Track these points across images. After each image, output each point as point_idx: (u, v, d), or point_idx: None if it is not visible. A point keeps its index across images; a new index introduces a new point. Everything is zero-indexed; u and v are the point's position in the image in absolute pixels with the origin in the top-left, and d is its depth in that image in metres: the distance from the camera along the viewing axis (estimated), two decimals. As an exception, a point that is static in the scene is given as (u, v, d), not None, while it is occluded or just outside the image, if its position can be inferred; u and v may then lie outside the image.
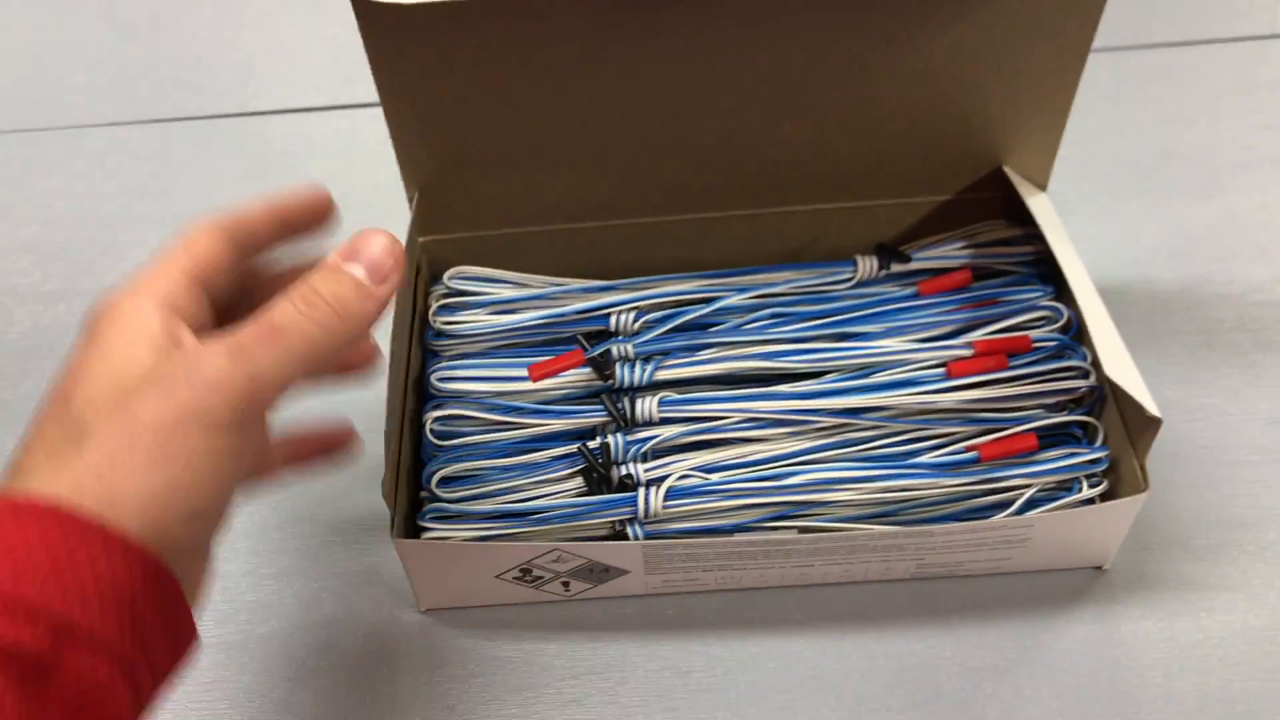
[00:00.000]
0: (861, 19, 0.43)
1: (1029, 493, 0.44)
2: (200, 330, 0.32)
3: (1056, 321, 0.48)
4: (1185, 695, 0.43)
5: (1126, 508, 0.43)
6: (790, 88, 0.46)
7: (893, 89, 0.46)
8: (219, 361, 0.30)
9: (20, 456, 0.30)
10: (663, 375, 0.47)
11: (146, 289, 0.32)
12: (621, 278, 0.51)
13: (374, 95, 0.43)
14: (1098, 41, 0.68)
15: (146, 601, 0.29)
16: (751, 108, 0.46)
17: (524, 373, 0.47)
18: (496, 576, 0.44)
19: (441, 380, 0.47)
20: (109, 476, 0.29)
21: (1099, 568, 0.46)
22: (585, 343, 0.49)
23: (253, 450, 0.32)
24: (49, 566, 0.27)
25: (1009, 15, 0.43)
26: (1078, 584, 0.46)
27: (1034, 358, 0.47)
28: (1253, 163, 0.62)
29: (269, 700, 0.44)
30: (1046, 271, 0.49)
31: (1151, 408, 0.40)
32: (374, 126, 0.45)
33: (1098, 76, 0.66)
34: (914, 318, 0.49)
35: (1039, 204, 0.48)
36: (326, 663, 0.45)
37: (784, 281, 0.50)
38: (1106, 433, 0.45)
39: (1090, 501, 0.44)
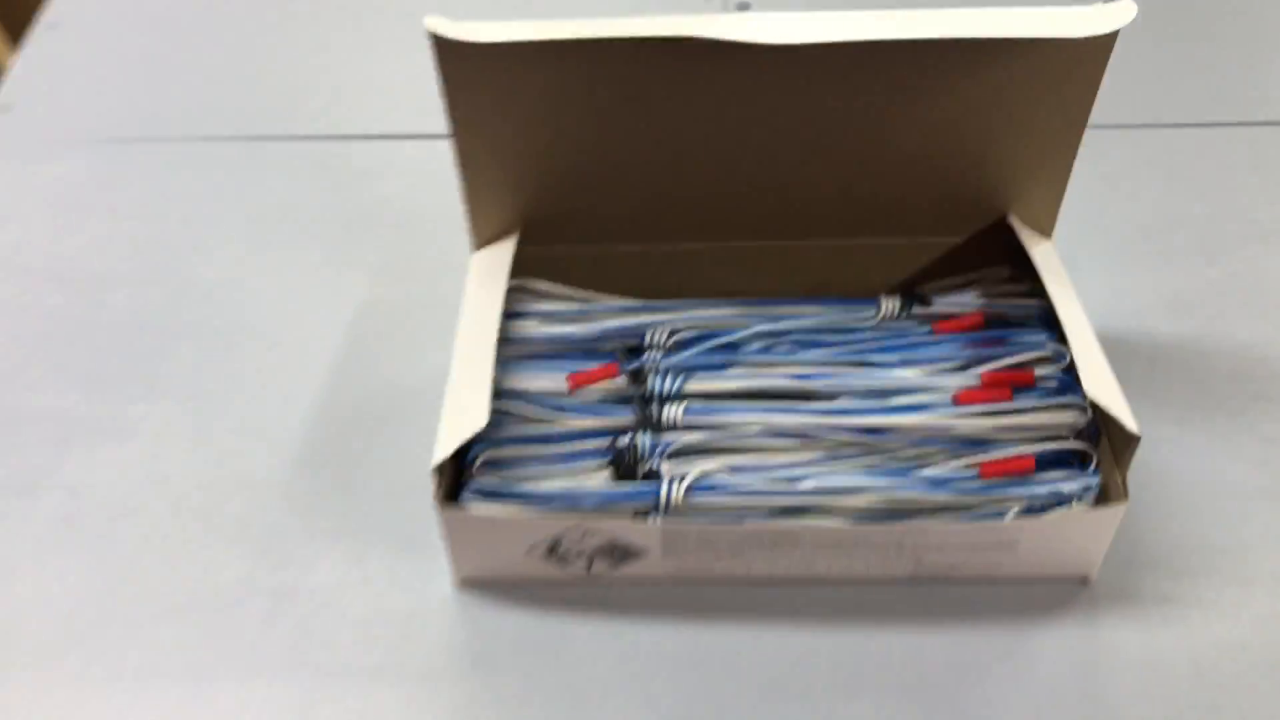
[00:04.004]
0: (884, 73, 0.49)
1: (1021, 505, 0.48)
2: None
3: (1059, 363, 0.52)
4: (1155, 698, 0.46)
5: (1109, 516, 0.46)
6: (818, 132, 0.51)
7: (909, 137, 0.51)
8: None
9: None
10: (691, 388, 0.52)
11: None
12: (659, 299, 0.56)
13: (446, 126, 0.49)
14: (1116, 118, 0.74)
15: None
16: (783, 147, 0.52)
17: (564, 379, 0.52)
18: (526, 552, 0.48)
19: (494, 375, 0.51)
20: None
21: (1085, 580, 0.50)
22: (623, 356, 0.53)
23: None
24: None
25: (1017, 75, 0.48)
26: (1064, 594, 0.50)
27: (1037, 393, 0.51)
28: (1256, 235, 0.66)
29: (312, 645, 0.49)
30: (1050, 319, 0.53)
31: (1130, 424, 0.44)
32: (446, 155, 0.51)
33: (1114, 150, 0.73)
34: (928, 352, 0.53)
35: (1042, 252, 0.53)
36: (368, 611, 0.50)
37: (811, 315, 0.55)
38: (1100, 461, 0.49)
39: (1076, 514, 0.48)
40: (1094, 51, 0.47)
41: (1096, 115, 0.52)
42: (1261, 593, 0.50)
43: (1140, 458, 0.54)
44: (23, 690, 0.47)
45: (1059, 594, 0.50)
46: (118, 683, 0.47)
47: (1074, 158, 0.52)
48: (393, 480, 0.55)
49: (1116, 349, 0.59)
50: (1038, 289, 0.53)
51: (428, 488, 0.47)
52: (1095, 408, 0.47)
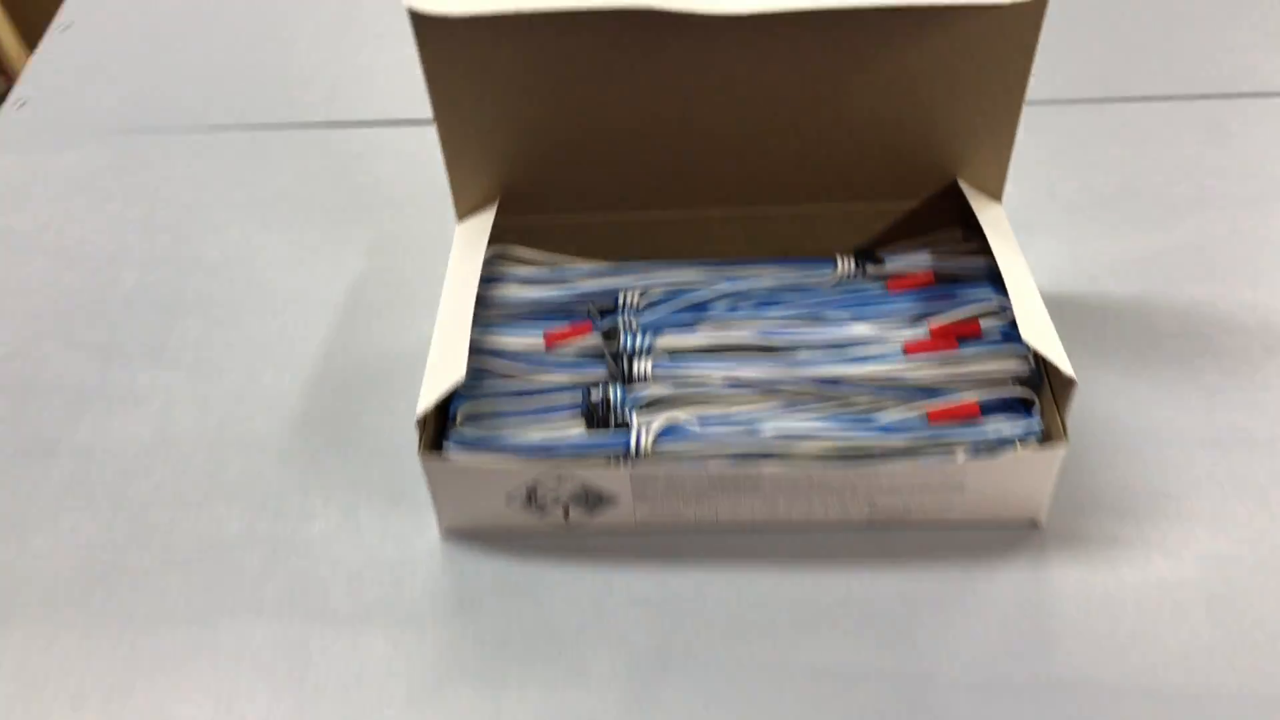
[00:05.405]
0: (832, 41, 0.52)
1: (968, 448, 0.51)
2: None
3: (1003, 316, 0.55)
4: (1102, 635, 0.49)
5: (1049, 457, 0.50)
6: (776, 100, 0.55)
7: (861, 103, 0.55)
8: None
9: None
10: (660, 344, 0.55)
11: None
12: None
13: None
14: (1074, 93, 0.77)
15: None
16: (744, 116, 0.56)
17: (541, 337, 0.55)
18: (506, 501, 0.52)
19: (476, 336, 0.55)
20: None
21: (1034, 523, 0.53)
22: (596, 315, 0.57)
23: None
24: None
25: (955, 42, 0.52)
26: (1014, 535, 0.53)
27: (983, 344, 0.54)
28: (1208, 201, 0.69)
29: (309, 591, 0.52)
30: (998, 277, 0.56)
31: (1067, 370, 0.47)
32: (435, 139, 0.56)
33: (1072, 123, 0.76)
34: (881, 309, 0.56)
35: (991, 213, 0.56)
36: (360, 560, 0.53)
37: (772, 275, 0.58)
38: (1043, 407, 0.52)
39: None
40: (1026, 18, 0.50)
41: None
42: (1203, 533, 0.53)
43: (1089, 407, 0.57)
44: (38, 634, 0.51)
45: (1009, 537, 0.53)
46: (127, 626, 0.51)
47: (1017, 122, 0.55)
48: (383, 439, 0.58)
49: (1069, 308, 0.62)
50: (987, 249, 0.56)
51: (415, 443, 0.50)
52: (1037, 356, 0.50)
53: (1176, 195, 0.70)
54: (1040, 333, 0.49)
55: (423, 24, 0.51)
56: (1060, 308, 0.61)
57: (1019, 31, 0.51)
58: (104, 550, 0.54)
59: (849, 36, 0.51)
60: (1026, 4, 0.49)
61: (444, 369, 0.49)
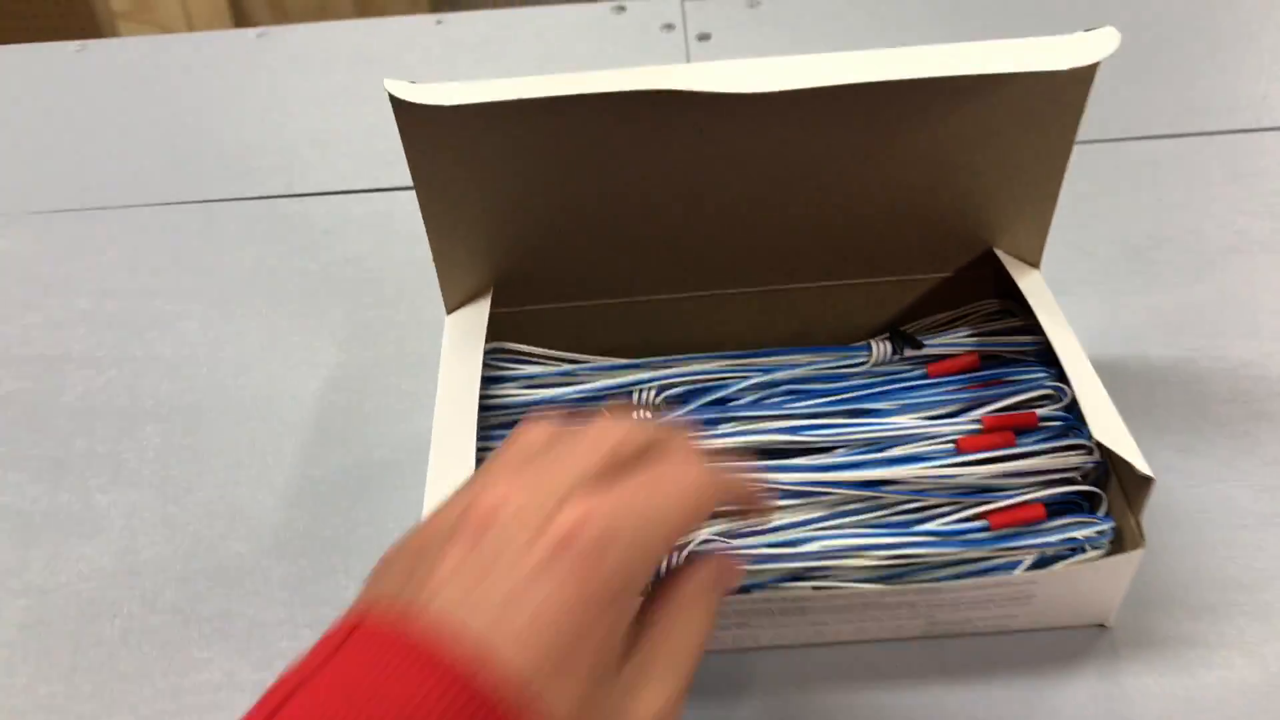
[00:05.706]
0: (861, 116, 0.47)
1: (1034, 556, 0.46)
2: None
3: (1060, 400, 0.50)
4: (1185, 747, 0.45)
5: (1125, 564, 0.45)
6: (796, 177, 0.49)
7: (891, 177, 0.49)
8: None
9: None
10: (682, 446, 0.50)
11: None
12: (642, 352, 0.54)
13: (409, 179, 0.47)
14: (1095, 133, 0.73)
15: None
16: (760, 194, 0.50)
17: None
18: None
19: (479, 447, 0.49)
20: None
21: (1102, 625, 0.49)
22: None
23: None
24: None
25: (998, 110, 0.47)
26: (1082, 641, 0.48)
27: (1040, 435, 0.49)
28: (1242, 246, 0.65)
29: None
30: (1047, 354, 0.52)
31: (1143, 467, 0.43)
32: (409, 208, 0.49)
33: (1093, 165, 0.71)
34: (923, 396, 0.51)
35: (1032, 284, 0.51)
36: (362, 716, 0.47)
37: (801, 364, 0.53)
38: (1110, 502, 0.48)
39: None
40: (1075, 82, 0.46)
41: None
42: (1282, 626, 0.48)
43: (1146, 489, 0.52)
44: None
45: (1077, 642, 0.48)
46: (99, 802, 0.45)
47: (1059, 188, 0.51)
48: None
49: (1111, 374, 0.57)
50: (1029, 323, 0.51)
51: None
52: (1103, 447, 0.46)
53: (1209, 241, 0.66)
54: (1110, 427, 0.44)
55: (406, 111, 0.45)
56: (1103, 373, 0.56)
57: (1068, 95, 0.46)
58: (66, 711, 0.48)
59: (880, 110, 0.46)
60: (1079, 68, 0.44)
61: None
